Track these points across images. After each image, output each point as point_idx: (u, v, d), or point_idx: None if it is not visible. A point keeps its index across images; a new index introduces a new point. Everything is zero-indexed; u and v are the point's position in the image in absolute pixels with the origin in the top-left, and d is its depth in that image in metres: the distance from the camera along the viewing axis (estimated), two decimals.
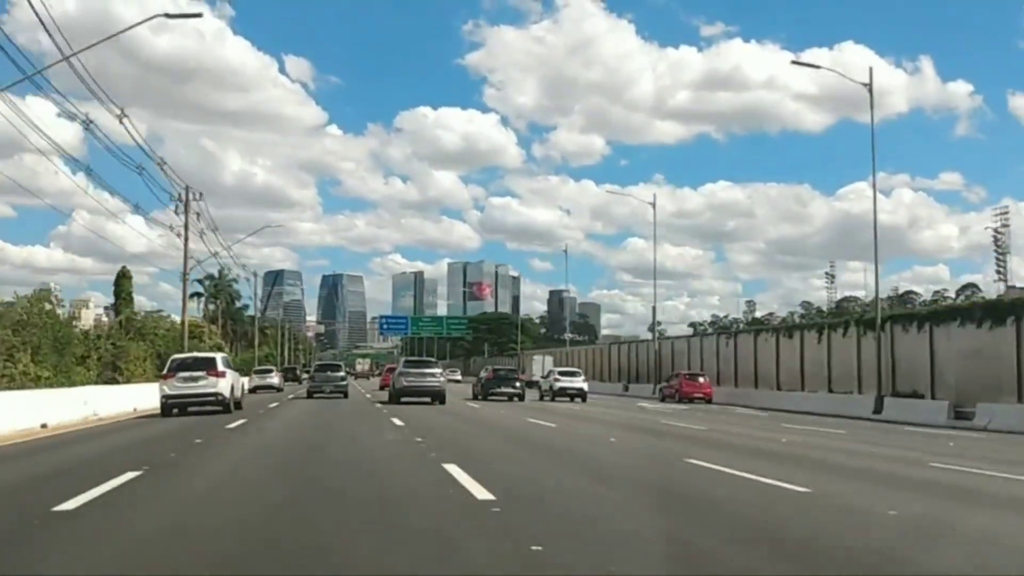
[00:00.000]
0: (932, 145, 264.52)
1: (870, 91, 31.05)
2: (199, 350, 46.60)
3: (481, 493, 7.66)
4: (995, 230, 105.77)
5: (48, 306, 35.33)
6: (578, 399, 36.95)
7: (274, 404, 28.92)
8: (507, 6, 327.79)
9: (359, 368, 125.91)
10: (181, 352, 37.73)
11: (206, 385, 21.79)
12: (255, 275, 72.98)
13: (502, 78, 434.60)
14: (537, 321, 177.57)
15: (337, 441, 14.07)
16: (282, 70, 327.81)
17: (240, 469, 10.09)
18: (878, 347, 30.03)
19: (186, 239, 39.42)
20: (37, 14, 18.19)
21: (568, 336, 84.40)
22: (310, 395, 36.33)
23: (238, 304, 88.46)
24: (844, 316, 52.31)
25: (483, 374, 38.42)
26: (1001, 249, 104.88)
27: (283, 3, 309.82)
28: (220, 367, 22.60)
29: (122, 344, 45.85)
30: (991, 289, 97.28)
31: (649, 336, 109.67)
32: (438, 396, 29.10)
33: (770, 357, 39.34)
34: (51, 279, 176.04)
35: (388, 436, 14.77)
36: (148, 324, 52.78)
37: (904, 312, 35.73)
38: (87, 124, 26.30)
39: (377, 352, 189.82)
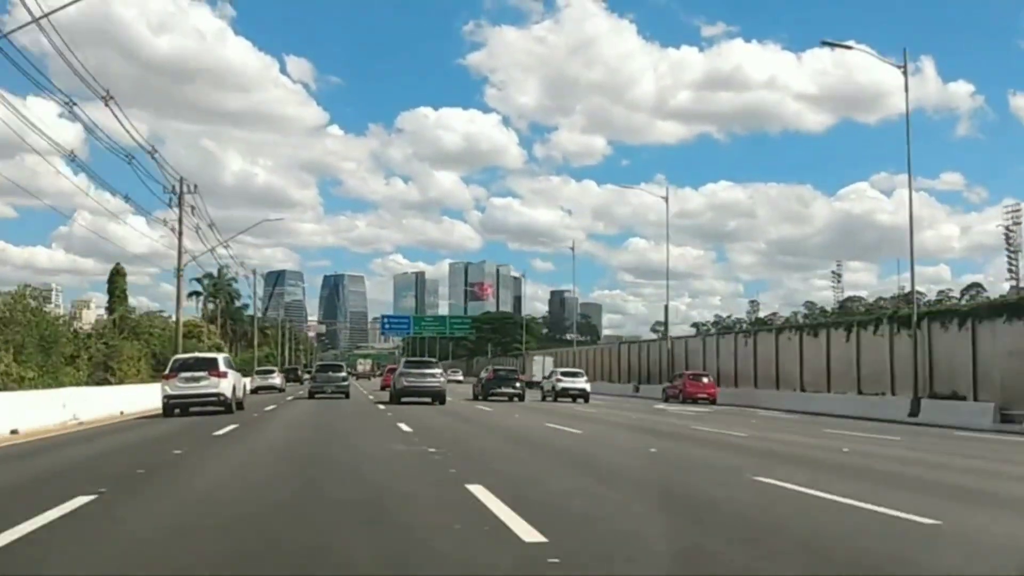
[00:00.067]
0: (933, 145, 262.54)
1: (904, 72, 29.40)
2: (197, 350, 45.34)
3: (527, 532, 5.80)
4: (1007, 228, 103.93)
5: (33, 303, 33.51)
6: (580, 400, 36.29)
7: (271, 407, 27.12)
8: (508, 6, 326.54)
9: (360, 368, 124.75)
10: (176, 351, 36.41)
11: (208, 385, 21.72)
12: (254, 273, 71.27)
13: (503, 78, 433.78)
14: (540, 321, 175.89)
15: (338, 459, 12.15)
16: (283, 70, 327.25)
17: (213, 497, 8.14)
18: (915, 345, 28.15)
19: (180, 233, 37.70)
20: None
21: (575, 337, 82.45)
22: (311, 395, 35.80)
23: (238, 303, 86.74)
24: (874, 313, 50.37)
25: (483, 374, 38.23)
26: (1012, 247, 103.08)
27: (284, 3, 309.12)
28: (222, 367, 22.47)
29: (115, 343, 44.06)
30: (995, 289, 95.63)
31: (652, 336, 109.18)
32: (438, 396, 29.14)
33: (793, 356, 37.43)
34: (52, 280, 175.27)
35: (396, 446, 12.88)
36: (143, 323, 51.05)
37: (943, 308, 33.73)
38: (71, 106, 24.73)
39: (378, 352, 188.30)
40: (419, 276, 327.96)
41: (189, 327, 63.44)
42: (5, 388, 24.61)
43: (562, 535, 5.86)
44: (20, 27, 18.63)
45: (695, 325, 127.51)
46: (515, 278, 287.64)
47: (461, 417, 22.68)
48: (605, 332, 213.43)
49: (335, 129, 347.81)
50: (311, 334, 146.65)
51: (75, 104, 24.90)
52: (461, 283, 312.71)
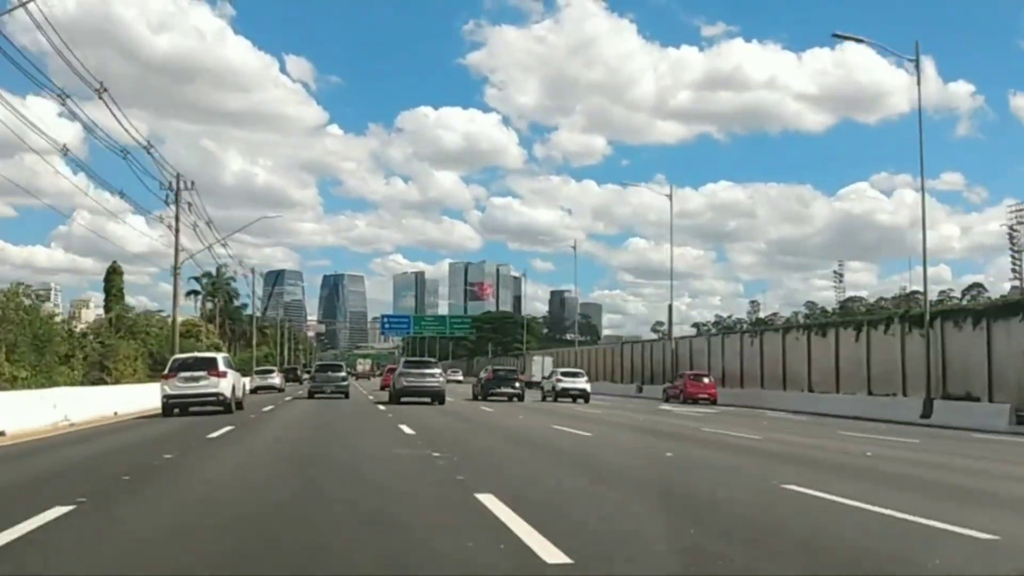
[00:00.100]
0: (933, 145, 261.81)
1: (916, 66, 28.65)
2: (196, 349, 44.90)
3: (549, 552, 5.15)
4: (1010, 227, 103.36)
5: (27, 301, 32.85)
6: (580, 400, 36.13)
7: (268, 407, 26.47)
8: (508, 6, 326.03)
9: (360, 368, 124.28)
10: (173, 350, 35.87)
11: (207, 385, 21.72)
12: (252, 272, 70.60)
13: (503, 78, 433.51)
14: (540, 321, 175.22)
15: (337, 459, 11.55)
16: (283, 70, 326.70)
17: (204, 510, 7.55)
18: (927, 345, 27.51)
19: (177, 230, 37.07)
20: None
21: (577, 337, 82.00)
22: (311, 395, 35.72)
23: (236, 303, 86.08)
24: (885, 312, 49.73)
25: (483, 374, 38.28)
26: (1016, 247, 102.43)
27: (284, 3, 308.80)
28: (221, 367, 22.45)
29: (111, 343, 43.47)
30: (996, 289, 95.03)
31: (653, 336, 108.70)
32: (437, 396, 29.19)
33: (800, 356, 36.79)
34: (52, 279, 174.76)
35: (398, 450, 12.25)
36: (140, 322, 50.46)
37: (957, 307, 33.10)
38: (63, 98, 24.16)
39: (378, 352, 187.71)
40: (419, 276, 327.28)
41: (187, 326, 62.76)
42: None
43: (589, 556, 5.22)
44: (10, 9, 18.01)
45: (695, 325, 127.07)
46: (515, 278, 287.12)
47: (463, 418, 22.07)
48: (605, 332, 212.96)
49: (335, 129, 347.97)
50: (310, 334, 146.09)
51: (68, 97, 24.40)
52: (461, 283, 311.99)
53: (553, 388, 38.09)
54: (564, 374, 39.96)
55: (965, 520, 6.72)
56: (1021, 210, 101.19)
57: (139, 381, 40.07)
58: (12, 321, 30.30)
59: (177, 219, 36.90)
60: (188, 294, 77.17)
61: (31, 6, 19.58)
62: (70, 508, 6.76)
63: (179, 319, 41.66)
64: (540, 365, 60.23)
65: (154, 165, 33.12)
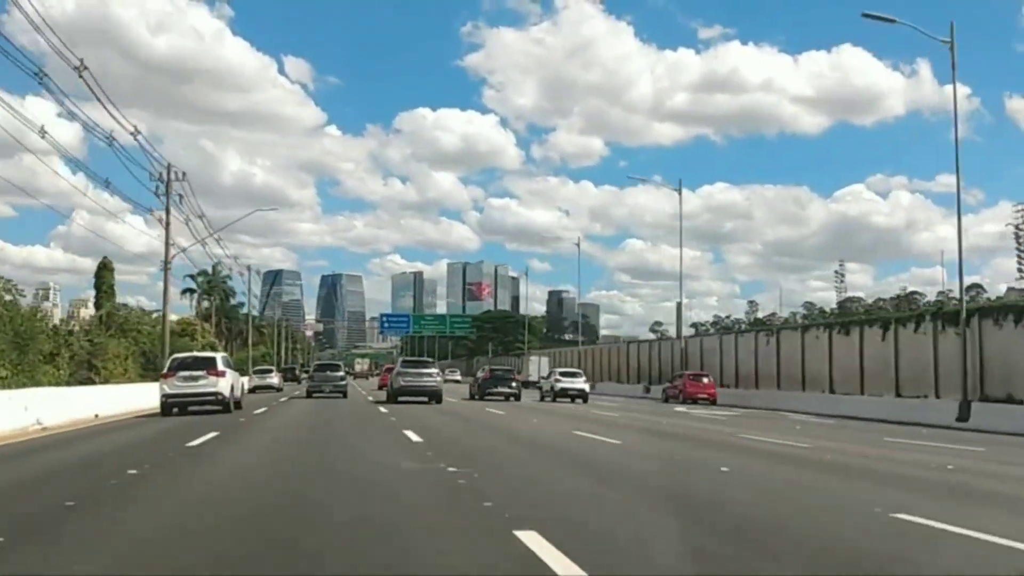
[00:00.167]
0: (929, 147, 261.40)
1: (951, 49, 26.96)
2: (191, 349, 43.52)
3: None
4: (1016, 227, 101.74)
5: (7, 296, 31.07)
6: (579, 400, 36.15)
7: (261, 410, 24.77)
8: (506, 8, 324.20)
9: (358, 368, 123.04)
10: (164, 348, 34.44)
11: (206, 384, 21.85)
12: (249, 269, 68.82)
13: (501, 79, 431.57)
14: (540, 320, 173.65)
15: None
16: (281, 71, 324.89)
17: (159, 550, 5.76)
18: (963, 344, 25.80)
19: (168, 223, 35.40)
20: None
21: (581, 337, 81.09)
22: (309, 395, 35.56)
23: (233, 301, 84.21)
24: (916, 309, 48.04)
25: (480, 374, 39.02)
26: (1022, 247, 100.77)
27: (282, 3, 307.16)
28: (220, 367, 22.55)
29: (99, 340, 41.71)
30: (994, 290, 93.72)
31: (651, 336, 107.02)
32: (435, 396, 29.36)
33: (821, 356, 35.06)
34: (51, 279, 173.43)
35: (407, 464, 10.48)
36: (131, 319, 48.75)
37: (997, 304, 31.37)
38: (41, 77, 22.49)
39: (376, 352, 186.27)
40: (417, 276, 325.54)
41: (183, 325, 61.12)
42: None
43: None
44: None
45: (694, 325, 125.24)
46: (513, 278, 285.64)
47: (471, 422, 20.38)
48: (603, 333, 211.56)
49: (333, 129, 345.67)
50: (308, 333, 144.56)
51: (46, 75, 22.71)
52: (459, 283, 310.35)
53: (552, 388, 37.89)
54: (563, 374, 39.78)
55: None
56: None
57: (130, 381, 38.41)
58: None
59: (168, 212, 35.21)
60: (183, 292, 75.58)
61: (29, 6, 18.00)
62: None
63: (175, 318, 40.07)
64: (536, 365, 60.66)
65: (146, 158, 31.38)
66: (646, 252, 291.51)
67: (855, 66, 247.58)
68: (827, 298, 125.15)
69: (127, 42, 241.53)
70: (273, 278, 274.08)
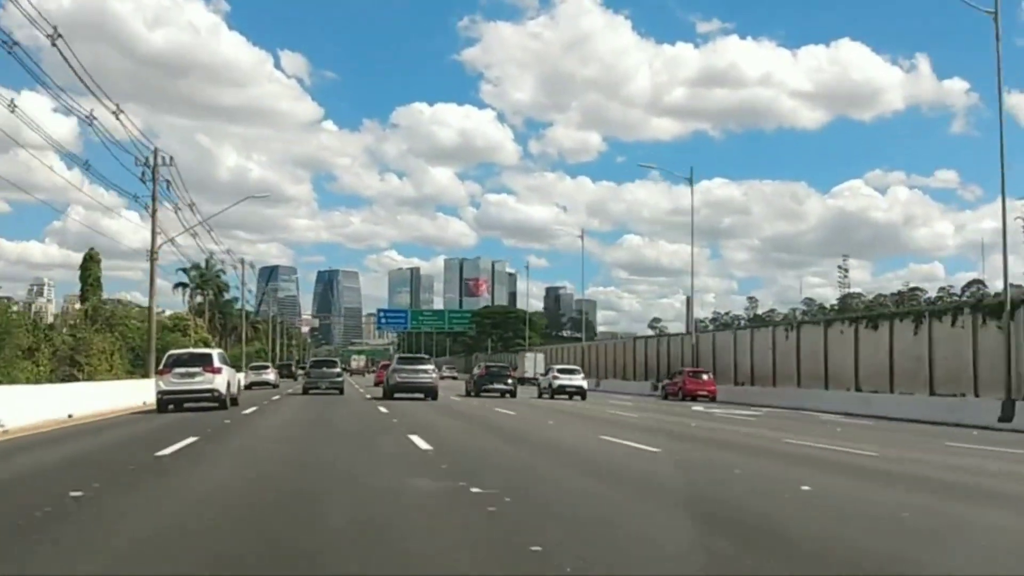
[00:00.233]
0: (928, 142, 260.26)
1: (995, 19, 25.21)
2: (184, 344, 41.99)
3: None
4: None
5: None
6: (577, 397, 36.06)
7: (251, 409, 22.94)
8: (503, 2, 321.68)
9: (354, 365, 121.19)
10: (151, 343, 32.90)
11: (202, 381, 21.78)
12: (242, 262, 66.92)
13: (499, 74, 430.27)
14: (541, 314, 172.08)
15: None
16: (277, 65, 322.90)
17: None
18: (1007, 339, 24.01)
19: (154, 210, 33.51)
20: None
21: (583, 334, 79.81)
22: (306, 391, 35.10)
23: (227, 296, 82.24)
24: (952, 302, 46.19)
25: (476, 370, 39.23)
26: None
27: None
28: (216, 363, 22.46)
29: (83, 335, 39.83)
30: (993, 287, 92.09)
31: (650, 332, 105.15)
32: (430, 392, 29.65)
33: (846, 352, 33.18)
34: (46, 274, 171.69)
35: (417, 481, 8.52)
36: (118, 314, 46.90)
37: None
38: (10, 46, 20.62)
39: (373, 348, 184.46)
40: (414, 272, 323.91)
41: (175, 320, 59.23)
42: None
43: None
44: None
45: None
46: (510, 274, 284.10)
47: (485, 425, 18.52)
48: (600, 329, 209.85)
49: (330, 124, 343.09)
50: (304, 329, 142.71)
51: (16, 44, 20.84)
52: (456, 279, 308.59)
53: (550, 385, 37.57)
54: (561, 371, 39.45)
55: None
56: None
57: (116, 377, 36.53)
58: None
59: (155, 199, 33.32)
60: (176, 287, 73.74)
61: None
62: None
63: (166, 312, 38.17)
64: (532, 362, 60.99)
65: (133, 144, 29.44)
66: (644, 248, 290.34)
67: (854, 60, 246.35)
68: (824, 294, 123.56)
69: (123, 36, 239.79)
70: (269, 274, 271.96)
